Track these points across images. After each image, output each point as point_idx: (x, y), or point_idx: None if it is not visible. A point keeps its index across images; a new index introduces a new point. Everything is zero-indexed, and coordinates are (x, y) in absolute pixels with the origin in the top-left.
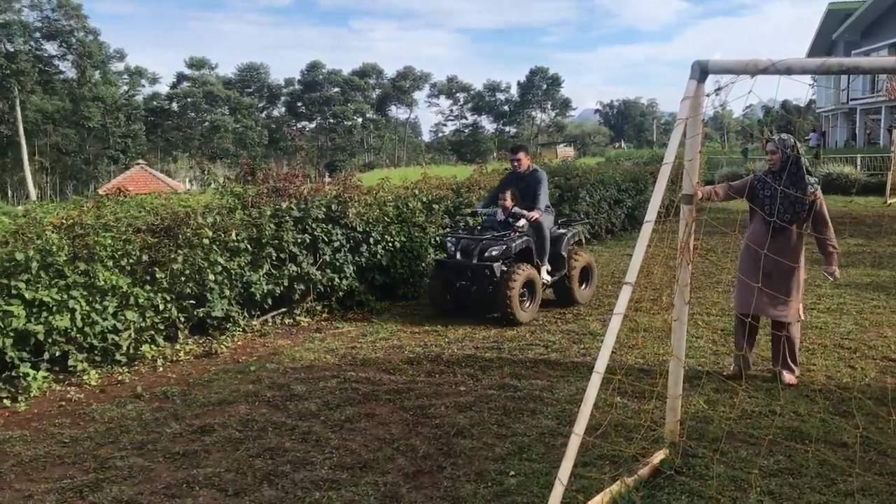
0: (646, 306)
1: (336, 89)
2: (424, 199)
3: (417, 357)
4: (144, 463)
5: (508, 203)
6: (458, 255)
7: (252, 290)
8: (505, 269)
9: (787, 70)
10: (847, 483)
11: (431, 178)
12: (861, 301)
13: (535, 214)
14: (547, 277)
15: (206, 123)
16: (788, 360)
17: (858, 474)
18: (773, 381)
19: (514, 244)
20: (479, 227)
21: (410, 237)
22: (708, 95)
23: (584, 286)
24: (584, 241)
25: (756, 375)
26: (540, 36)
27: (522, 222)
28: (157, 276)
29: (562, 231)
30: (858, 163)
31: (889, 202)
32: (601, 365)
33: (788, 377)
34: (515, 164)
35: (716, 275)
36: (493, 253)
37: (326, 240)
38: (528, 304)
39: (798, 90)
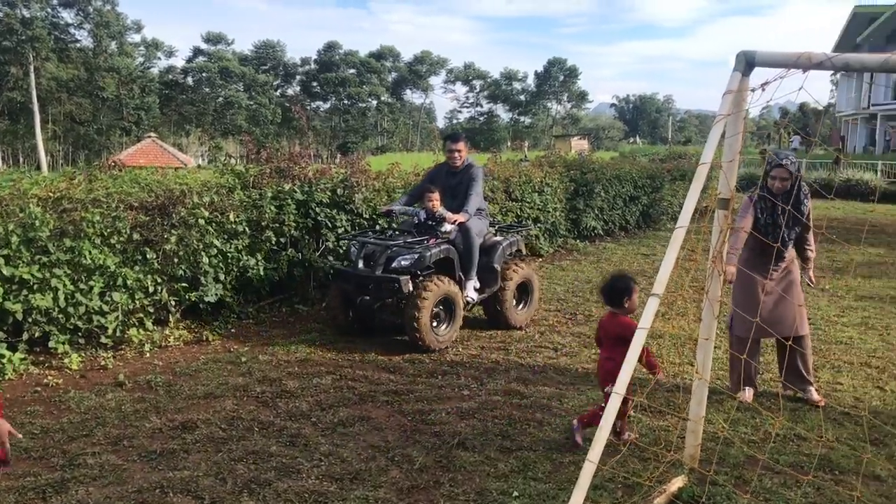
0: (659, 310)
1: (352, 70)
2: None
3: (420, 355)
4: (117, 461)
5: (437, 203)
6: (361, 264)
7: (249, 275)
8: (415, 283)
9: (845, 66)
10: None
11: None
12: (885, 315)
13: (460, 217)
14: (473, 295)
15: (220, 99)
16: (807, 374)
17: None
18: (796, 402)
19: (429, 253)
20: (394, 231)
21: None
22: (753, 90)
23: (521, 306)
24: (524, 251)
25: (780, 395)
26: (558, 27)
27: (447, 227)
28: (149, 256)
29: (496, 239)
30: (879, 169)
31: None
32: (622, 385)
33: (818, 397)
34: (455, 155)
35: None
36: (403, 263)
37: (330, 225)
38: (443, 327)
39: (816, 93)
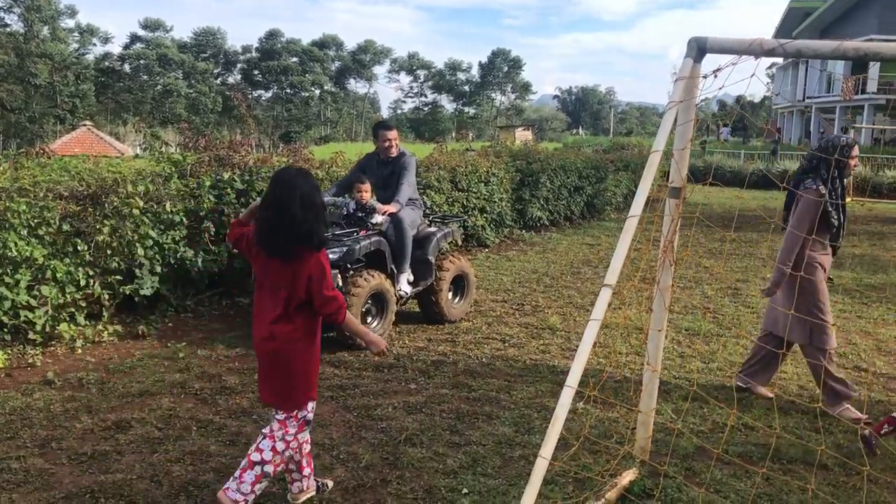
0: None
1: (294, 59)
2: None
3: (365, 349)
4: (45, 465)
5: (367, 195)
6: None
7: (187, 267)
8: (344, 277)
9: (797, 53)
10: None
11: None
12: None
13: (391, 208)
14: (406, 288)
15: (159, 87)
16: None
17: None
18: (743, 391)
19: (359, 245)
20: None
21: None
22: (705, 77)
23: (457, 299)
24: (459, 241)
25: (726, 385)
26: (501, 18)
27: (379, 218)
28: (80, 248)
29: (430, 230)
30: None
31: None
32: (574, 378)
33: (767, 391)
34: (387, 145)
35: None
36: (331, 257)
37: None
38: (374, 323)
39: (751, 86)
